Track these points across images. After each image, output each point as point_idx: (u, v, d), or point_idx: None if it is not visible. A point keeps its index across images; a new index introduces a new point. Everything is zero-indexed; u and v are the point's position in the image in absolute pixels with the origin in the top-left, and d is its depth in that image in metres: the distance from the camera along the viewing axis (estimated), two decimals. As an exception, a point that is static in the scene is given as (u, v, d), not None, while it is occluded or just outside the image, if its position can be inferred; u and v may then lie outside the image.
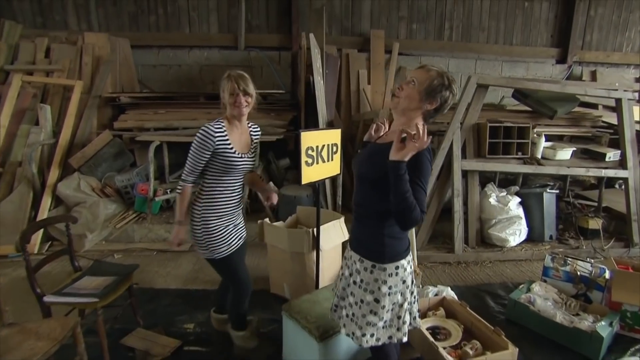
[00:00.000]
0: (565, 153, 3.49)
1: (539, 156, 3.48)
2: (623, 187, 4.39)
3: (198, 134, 1.57)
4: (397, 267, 1.31)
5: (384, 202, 1.24)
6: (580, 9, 4.98)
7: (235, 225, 1.77)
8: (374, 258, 1.32)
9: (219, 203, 1.67)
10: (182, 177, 1.63)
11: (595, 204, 3.84)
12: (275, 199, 1.83)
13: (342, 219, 2.62)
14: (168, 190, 3.90)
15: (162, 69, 4.81)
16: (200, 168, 1.62)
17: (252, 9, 4.78)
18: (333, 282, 2.61)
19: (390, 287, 1.30)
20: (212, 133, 1.57)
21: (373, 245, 1.33)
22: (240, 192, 1.76)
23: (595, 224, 3.50)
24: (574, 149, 3.60)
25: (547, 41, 5.18)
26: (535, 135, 3.48)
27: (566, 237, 3.57)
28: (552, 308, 2.28)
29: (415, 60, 5.06)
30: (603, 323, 2.11)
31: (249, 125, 1.78)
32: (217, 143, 1.58)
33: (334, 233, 2.53)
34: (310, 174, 1.87)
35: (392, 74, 4.94)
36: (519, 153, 3.41)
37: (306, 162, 1.81)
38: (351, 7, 4.92)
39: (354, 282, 1.38)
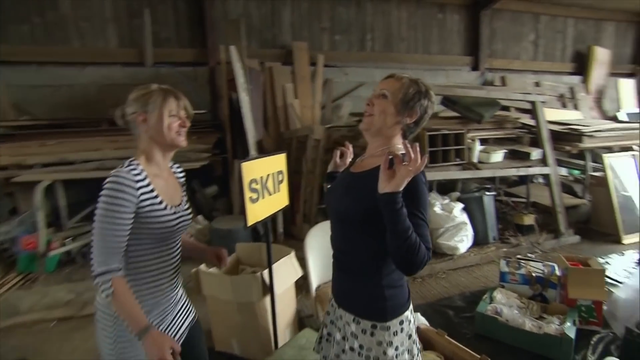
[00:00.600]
0: (497, 155, 3.70)
1: (475, 160, 3.63)
2: (541, 181, 4.88)
3: (107, 191, 1.04)
4: (401, 322, 1.08)
5: (377, 245, 1.01)
6: (485, 22, 5.51)
7: (174, 317, 1.24)
8: (373, 317, 1.07)
9: (149, 290, 1.15)
10: (99, 270, 1.03)
11: (524, 199, 4.15)
12: (226, 256, 1.41)
13: (293, 254, 2.34)
14: (68, 240, 3.20)
15: (46, 90, 3.98)
16: (123, 243, 1.07)
17: (158, 19, 4.30)
18: (292, 333, 2.34)
19: (397, 348, 1.06)
20: (130, 184, 1.05)
21: (370, 301, 1.08)
22: (178, 264, 1.26)
23: (530, 219, 3.76)
24: (505, 151, 3.84)
25: (461, 50, 5.62)
26: (470, 140, 3.63)
27: (506, 236, 3.77)
28: (519, 316, 2.28)
29: (340, 72, 5.06)
30: (568, 324, 2.15)
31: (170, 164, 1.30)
32: (141, 198, 1.08)
33: (286, 272, 2.23)
34: (257, 211, 1.57)
35: (318, 86, 4.86)
36: (457, 159, 3.52)
37: (250, 198, 1.51)
38: (270, 18, 4.75)
39: (351, 349, 1.10)
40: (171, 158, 1.24)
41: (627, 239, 3.77)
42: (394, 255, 0.97)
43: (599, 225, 4.07)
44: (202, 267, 2.19)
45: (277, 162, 1.75)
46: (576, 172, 5.06)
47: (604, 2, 5.91)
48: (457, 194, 3.72)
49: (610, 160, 3.86)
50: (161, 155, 1.18)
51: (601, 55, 5.94)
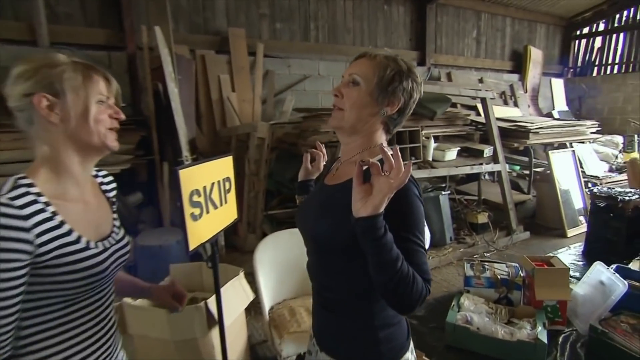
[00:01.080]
0: (452, 153, 3.79)
1: (430, 159, 3.67)
2: (487, 178, 5.16)
3: None
4: None
5: (366, 278, 0.82)
6: (430, 16, 5.70)
7: None
8: None
9: None
10: None
11: (476, 197, 4.32)
12: (186, 295, 1.14)
13: (242, 275, 2.08)
14: None
15: None
16: (12, 317, 0.71)
17: (54, -10, 3.69)
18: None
19: None
20: (13, 224, 0.69)
21: (361, 345, 0.91)
22: (112, 323, 0.93)
23: (484, 218, 3.91)
24: (459, 148, 3.95)
25: (407, 44, 5.74)
26: (424, 138, 3.66)
27: (462, 235, 3.87)
28: (490, 323, 2.28)
29: (283, 63, 4.86)
30: (540, 328, 2.19)
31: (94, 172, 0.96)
32: (39, 240, 0.72)
33: (236, 297, 1.98)
34: (201, 230, 1.31)
35: (259, 78, 4.61)
36: (412, 158, 3.52)
37: (192, 214, 1.24)
38: (201, 0, 4.38)
39: None
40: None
41: (570, 232, 4.10)
42: (381, 292, 0.79)
43: (544, 220, 4.39)
44: (126, 300, 1.84)
45: (223, 167, 1.49)
46: (516, 167, 5.45)
47: (536, 5, 6.49)
48: (413, 194, 3.73)
49: (553, 156, 4.17)
50: (79, 165, 0.83)
51: (535, 55, 6.50)
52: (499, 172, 4.01)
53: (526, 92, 6.34)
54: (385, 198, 0.73)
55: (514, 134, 4.21)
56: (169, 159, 3.61)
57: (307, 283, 1.57)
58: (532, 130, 4.03)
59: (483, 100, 3.96)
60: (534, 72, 6.50)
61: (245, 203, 3.64)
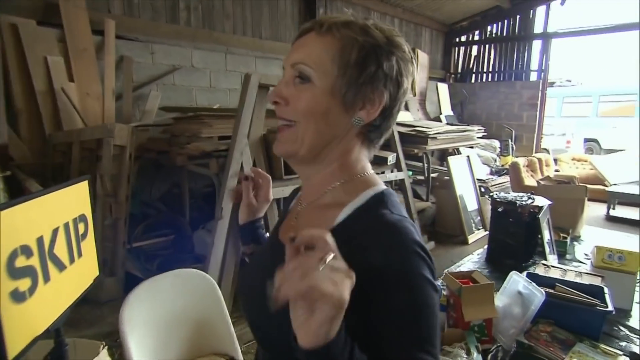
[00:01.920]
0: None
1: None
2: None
3: None
4: None
5: None
6: (320, 8, 5.69)
7: None
8: None
9: None
10: None
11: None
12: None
13: (105, 352, 1.54)
14: None
15: None
16: None
17: None
18: None
19: None
20: None
21: None
22: None
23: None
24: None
25: (295, 38, 5.62)
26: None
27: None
28: None
29: (144, 48, 4.20)
30: (475, 354, 2.19)
31: None
32: None
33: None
34: (32, 317, 0.81)
35: (110, 66, 3.86)
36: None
37: (14, 293, 0.75)
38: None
39: None
40: None
41: (471, 238, 4.47)
42: None
43: (444, 227, 4.71)
44: None
45: (74, 200, 1.00)
46: (409, 173, 5.81)
47: (422, 8, 7.12)
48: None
49: (452, 161, 4.50)
50: None
51: (422, 59, 7.11)
52: (402, 180, 4.13)
53: (415, 95, 6.87)
54: (325, 321, 0.46)
55: (412, 139, 4.42)
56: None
57: (202, 338, 1.20)
58: (430, 136, 4.27)
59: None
60: (421, 75, 7.09)
61: (98, 236, 2.92)
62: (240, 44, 5.00)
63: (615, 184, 6.03)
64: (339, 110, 0.65)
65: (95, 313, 2.80)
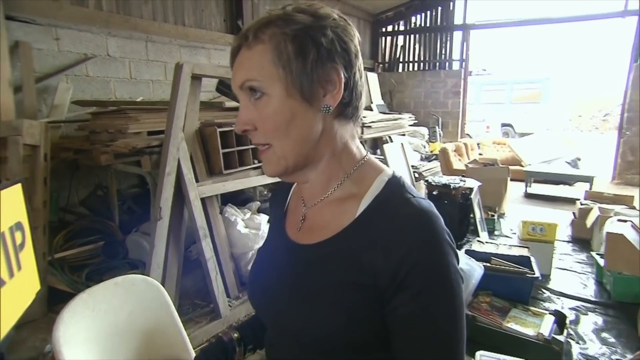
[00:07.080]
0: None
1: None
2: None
3: None
4: None
5: None
6: (245, -8, 5.61)
7: None
8: None
9: None
10: None
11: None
12: None
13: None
14: None
15: None
16: None
17: None
18: None
19: None
20: None
21: None
22: None
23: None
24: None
25: (221, 26, 5.48)
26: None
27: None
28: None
29: (46, 33, 3.79)
30: None
31: None
32: None
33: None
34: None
35: (3, 54, 3.46)
36: (255, 161, 3.31)
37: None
38: None
39: None
40: None
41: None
42: None
43: (381, 215, 4.92)
44: None
45: (8, 206, 0.94)
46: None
47: (348, -1, 7.30)
48: (257, 203, 3.55)
49: (387, 149, 4.72)
50: None
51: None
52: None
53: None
54: None
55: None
56: None
57: (152, 347, 1.18)
58: (366, 125, 4.44)
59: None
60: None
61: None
62: (162, 31, 4.77)
63: (530, 164, 6.76)
64: (304, 109, 0.66)
65: (12, 337, 2.56)
